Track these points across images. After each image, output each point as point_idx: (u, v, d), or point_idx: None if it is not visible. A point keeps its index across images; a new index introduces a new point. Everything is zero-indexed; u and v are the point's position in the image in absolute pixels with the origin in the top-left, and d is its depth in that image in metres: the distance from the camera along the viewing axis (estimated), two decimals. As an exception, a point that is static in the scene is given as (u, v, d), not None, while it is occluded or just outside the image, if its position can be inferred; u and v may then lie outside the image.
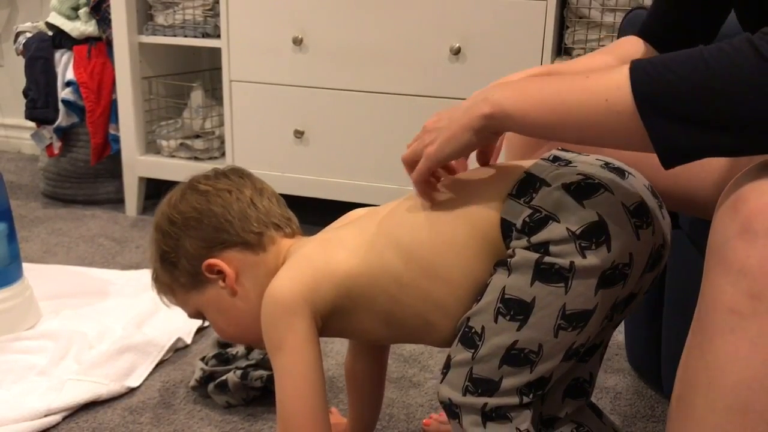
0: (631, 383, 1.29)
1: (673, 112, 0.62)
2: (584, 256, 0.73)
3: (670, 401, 0.67)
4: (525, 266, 0.75)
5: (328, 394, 1.23)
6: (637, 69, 0.64)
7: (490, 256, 0.79)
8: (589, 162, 0.79)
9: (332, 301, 0.83)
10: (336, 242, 0.87)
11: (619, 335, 1.41)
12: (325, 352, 1.36)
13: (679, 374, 0.66)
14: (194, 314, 0.95)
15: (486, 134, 0.76)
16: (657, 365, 1.21)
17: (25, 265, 1.47)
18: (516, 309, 0.75)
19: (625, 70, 0.64)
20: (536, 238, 0.75)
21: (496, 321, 0.76)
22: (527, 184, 0.78)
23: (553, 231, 0.74)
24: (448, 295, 0.81)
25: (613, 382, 1.29)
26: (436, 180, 0.85)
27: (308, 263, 0.85)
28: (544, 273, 0.74)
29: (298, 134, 1.93)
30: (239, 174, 0.94)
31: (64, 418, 1.14)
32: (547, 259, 0.74)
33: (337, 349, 1.37)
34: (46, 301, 1.49)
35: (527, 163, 0.81)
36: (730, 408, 0.60)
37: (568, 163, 0.79)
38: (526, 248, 0.75)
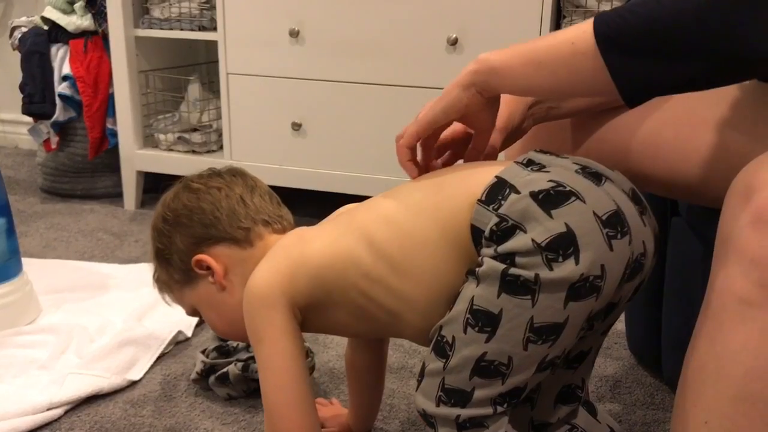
0: (631, 371, 1.29)
1: (629, 47, 0.68)
2: (551, 269, 0.70)
3: (677, 390, 0.67)
4: (492, 277, 0.72)
5: (329, 385, 1.24)
6: (600, 14, 0.70)
7: (462, 260, 0.77)
8: (564, 166, 0.76)
9: (308, 293, 0.83)
10: (313, 234, 0.87)
11: (619, 323, 1.41)
12: (325, 343, 1.37)
13: (687, 363, 0.66)
14: (190, 311, 0.96)
15: (473, 93, 0.78)
16: (657, 353, 1.21)
17: (25, 260, 1.47)
18: (484, 320, 0.73)
19: (592, 18, 0.70)
20: (503, 248, 0.72)
21: (465, 332, 0.74)
22: (496, 190, 0.75)
23: (518, 241, 0.71)
24: (419, 295, 0.80)
25: (613, 369, 1.29)
26: (428, 160, 0.85)
27: (284, 254, 0.85)
28: (510, 285, 0.71)
29: (296, 126, 1.93)
30: (233, 173, 0.95)
31: (66, 412, 1.15)
32: (512, 270, 0.71)
33: (338, 340, 1.37)
34: (47, 296, 1.49)
35: (500, 166, 0.78)
36: (739, 398, 0.60)
37: (541, 167, 0.76)
38: (494, 257, 0.73)
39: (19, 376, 1.22)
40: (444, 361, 0.76)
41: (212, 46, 2.02)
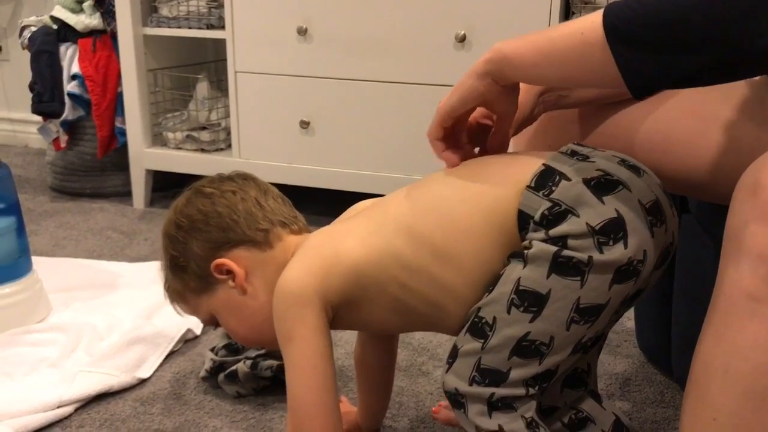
0: (641, 369, 1.29)
1: (637, 38, 0.68)
2: (601, 252, 0.74)
3: (686, 387, 0.67)
4: (542, 259, 0.75)
5: (338, 383, 1.24)
6: (610, 4, 0.70)
7: (503, 246, 0.79)
8: (606, 158, 0.80)
9: (342, 291, 0.83)
10: (344, 232, 0.87)
11: (628, 321, 1.41)
12: (334, 341, 1.36)
13: (695, 360, 0.66)
14: (208, 320, 0.95)
15: (488, 81, 0.79)
16: (667, 350, 1.21)
17: (35, 259, 1.48)
18: (530, 301, 0.76)
19: (603, 9, 0.70)
20: (555, 232, 0.75)
21: (508, 312, 0.76)
22: (546, 177, 0.78)
23: (572, 225, 0.74)
24: (460, 283, 0.81)
25: (623, 368, 1.28)
26: (459, 146, 0.86)
27: (316, 254, 0.85)
28: (562, 266, 0.74)
29: (304, 125, 1.93)
30: (243, 177, 0.95)
31: (76, 410, 1.15)
32: (565, 252, 0.74)
33: (347, 338, 1.37)
34: (56, 294, 1.50)
35: (545, 156, 0.81)
36: (747, 394, 0.60)
37: (585, 157, 0.80)
38: (544, 241, 0.75)
39: (29, 374, 1.23)
40: (482, 341, 0.78)
41: (220, 44, 2.02)
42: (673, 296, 1.17)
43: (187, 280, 0.92)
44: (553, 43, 0.74)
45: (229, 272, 0.90)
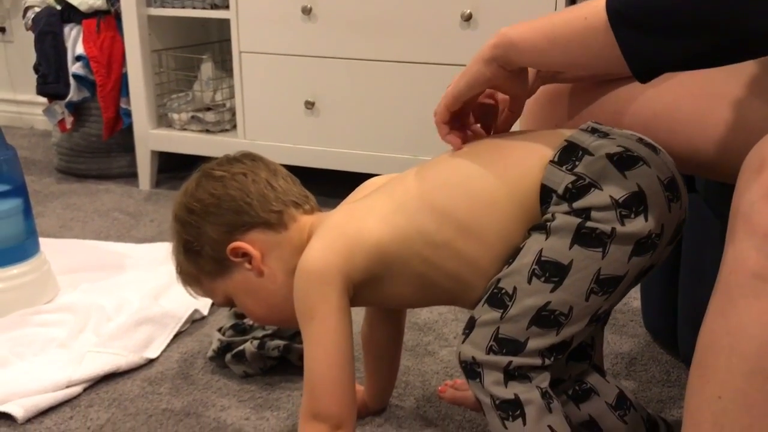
0: (647, 348, 1.29)
1: (640, 22, 0.68)
2: (623, 224, 0.76)
3: (691, 366, 0.67)
4: (565, 230, 0.77)
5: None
6: None
7: (524, 220, 0.81)
8: (625, 136, 0.81)
9: (366, 269, 0.84)
10: (364, 210, 0.87)
11: (634, 301, 1.41)
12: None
13: (700, 339, 0.66)
14: (223, 301, 0.95)
15: (495, 66, 0.79)
16: (673, 330, 1.21)
17: (42, 240, 1.48)
18: (552, 271, 0.77)
19: None
20: (578, 204, 0.77)
21: (529, 282, 0.78)
22: (569, 152, 0.80)
23: (596, 198, 0.76)
24: (483, 256, 0.82)
25: (629, 347, 1.29)
26: (469, 128, 0.88)
27: (339, 232, 0.85)
28: (584, 237, 0.76)
29: (309, 105, 1.93)
30: (251, 158, 0.95)
31: (85, 389, 1.16)
32: (588, 223, 0.76)
33: (354, 318, 1.37)
34: (64, 275, 1.50)
35: (567, 132, 0.83)
36: (753, 372, 0.60)
37: (606, 134, 0.81)
38: (567, 213, 0.77)
39: (38, 354, 1.24)
40: (501, 311, 0.79)
41: (225, 24, 2.01)
42: (679, 275, 1.17)
43: (202, 264, 0.92)
44: (557, 29, 0.74)
45: (245, 255, 0.90)
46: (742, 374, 0.60)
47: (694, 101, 0.87)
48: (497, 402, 0.79)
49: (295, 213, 0.91)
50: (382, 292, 0.87)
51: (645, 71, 0.71)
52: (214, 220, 0.90)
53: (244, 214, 0.90)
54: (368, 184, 0.95)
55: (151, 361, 1.25)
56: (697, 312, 0.68)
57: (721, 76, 0.85)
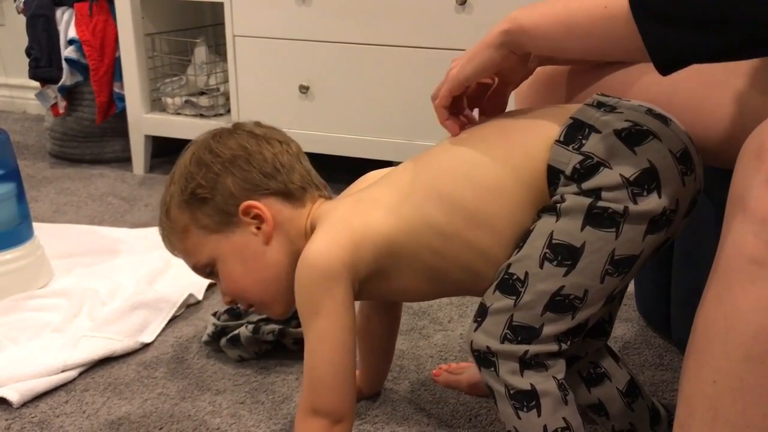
0: (640, 332, 1.29)
1: (664, 13, 0.65)
2: (636, 203, 0.74)
3: (686, 349, 0.67)
4: (576, 211, 0.75)
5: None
6: None
7: (533, 203, 0.79)
8: (633, 108, 0.78)
9: (373, 263, 0.82)
10: (370, 202, 0.85)
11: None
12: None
13: (696, 323, 0.66)
14: (203, 263, 0.90)
15: (505, 52, 0.77)
16: (666, 314, 1.21)
17: (36, 225, 1.48)
18: (564, 254, 0.75)
19: None
20: (588, 185, 0.75)
21: (541, 267, 0.76)
22: (575, 131, 0.77)
23: (606, 177, 0.74)
24: (493, 244, 0.80)
25: (622, 331, 1.29)
26: (462, 114, 0.86)
27: (345, 225, 0.82)
28: (596, 218, 0.74)
29: (303, 89, 1.92)
30: (284, 134, 0.94)
31: (80, 374, 1.17)
32: (600, 203, 0.74)
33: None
34: (58, 260, 1.50)
35: (571, 108, 0.80)
36: (749, 357, 0.60)
37: (612, 108, 0.78)
38: (576, 194, 0.75)
39: (33, 339, 1.24)
40: (514, 298, 0.77)
41: (218, 7, 1.99)
42: (673, 260, 1.17)
43: (200, 216, 0.88)
44: (573, 17, 0.72)
45: (256, 218, 0.87)
46: (738, 359, 0.61)
47: (691, 87, 0.86)
48: (512, 392, 0.77)
49: (315, 194, 0.90)
50: (389, 285, 0.85)
51: (669, 64, 0.68)
52: (239, 173, 0.87)
53: (271, 179, 0.88)
54: (368, 176, 0.93)
55: (146, 346, 1.25)
56: (691, 297, 0.68)
57: (717, 63, 0.85)
